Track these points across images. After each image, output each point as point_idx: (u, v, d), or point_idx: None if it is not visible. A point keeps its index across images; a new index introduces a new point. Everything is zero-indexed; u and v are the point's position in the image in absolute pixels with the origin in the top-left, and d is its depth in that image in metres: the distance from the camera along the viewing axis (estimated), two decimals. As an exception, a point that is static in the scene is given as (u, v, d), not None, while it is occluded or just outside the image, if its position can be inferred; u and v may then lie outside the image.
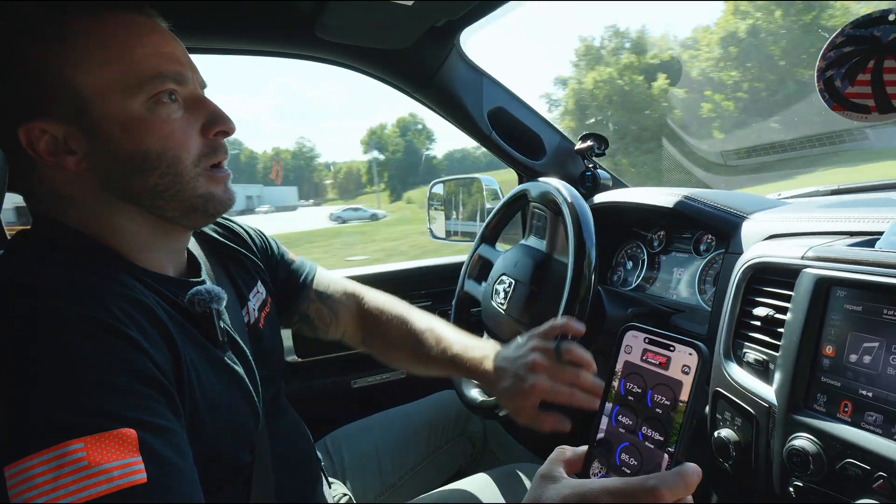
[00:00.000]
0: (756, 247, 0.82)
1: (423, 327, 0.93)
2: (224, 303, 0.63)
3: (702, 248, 1.10)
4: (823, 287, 0.66)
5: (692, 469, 0.42)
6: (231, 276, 0.77)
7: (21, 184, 0.59)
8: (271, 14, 1.06)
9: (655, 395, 0.46)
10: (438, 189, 1.93)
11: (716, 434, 0.77)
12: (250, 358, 0.68)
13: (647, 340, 0.49)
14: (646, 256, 1.24)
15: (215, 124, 0.61)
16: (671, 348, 0.47)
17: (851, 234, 0.74)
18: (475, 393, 1.01)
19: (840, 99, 0.62)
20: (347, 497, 0.96)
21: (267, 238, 0.92)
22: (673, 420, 0.45)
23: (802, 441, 0.63)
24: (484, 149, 1.50)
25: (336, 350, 1.48)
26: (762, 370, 0.74)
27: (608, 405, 0.50)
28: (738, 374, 0.77)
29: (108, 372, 0.46)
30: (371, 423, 1.17)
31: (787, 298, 0.71)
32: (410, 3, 0.95)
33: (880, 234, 0.68)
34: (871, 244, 0.68)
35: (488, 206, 1.65)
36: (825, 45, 0.63)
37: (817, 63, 0.63)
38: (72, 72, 0.54)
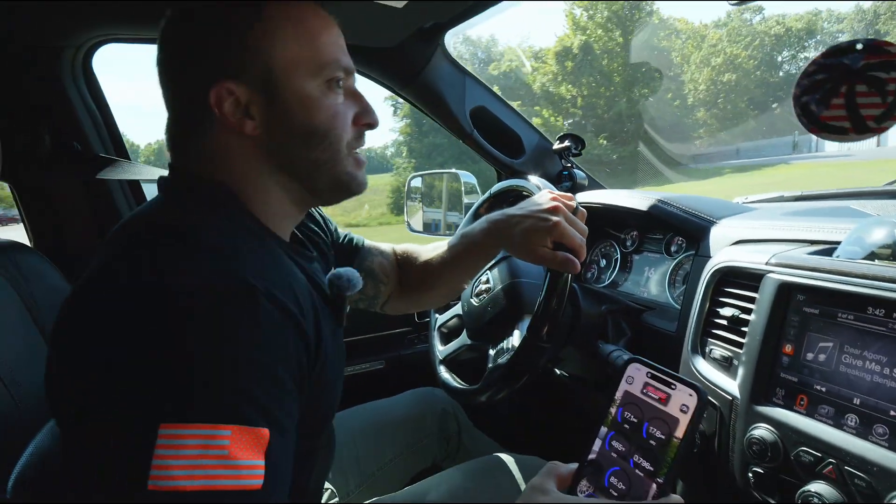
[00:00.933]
0: (724, 251, 0.88)
1: (433, 248, 0.99)
2: (358, 288, 0.69)
3: (672, 249, 1.16)
4: (785, 291, 0.72)
5: (677, 501, 0.46)
6: (320, 254, 0.82)
7: (188, 139, 0.62)
8: None
9: (651, 428, 0.49)
10: (417, 182, 1.95)
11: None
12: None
13: (649, 375, 0.52)
14: (619, 255, 1.30)
15: (365, 116, 0.67)
16: (672, 386, 0.50)
17: (812, 242, 0.81)
18: (443, 370, 1.06)
19: (817, 123, 0.68)
20: (330, 489, 0.98)
21: (320, 211, 0.95)
22: (666, 453, 0.47)
23: (762, 431, 0.69)
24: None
25: None
26: (727, 366, 0.80)
27: (603, 429, 0.53)
28: (704, 369, 0.83)
29: (275, 357, 0.49)
30: (349, 415, 1.19)
31: (751, 300, 0.77)
32: (401, 5, 0.97)
33: (838, 243, 0.75)
34: (829, 253, 0.74)
35: (466, 200, 1.68)
36: (800, 74, 0.68)
37: (793, 91, 0.68)
38: (269, 44, 0.59)
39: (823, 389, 0.66)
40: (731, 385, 0.77)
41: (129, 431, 0.43)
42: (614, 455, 0.51)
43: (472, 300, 1.10)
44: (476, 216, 1.24)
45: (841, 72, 0.67)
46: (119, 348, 0.45)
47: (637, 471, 0.49)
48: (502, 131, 1.51)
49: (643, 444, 0.49)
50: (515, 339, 0.97)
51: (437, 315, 1.23)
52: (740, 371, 0.75)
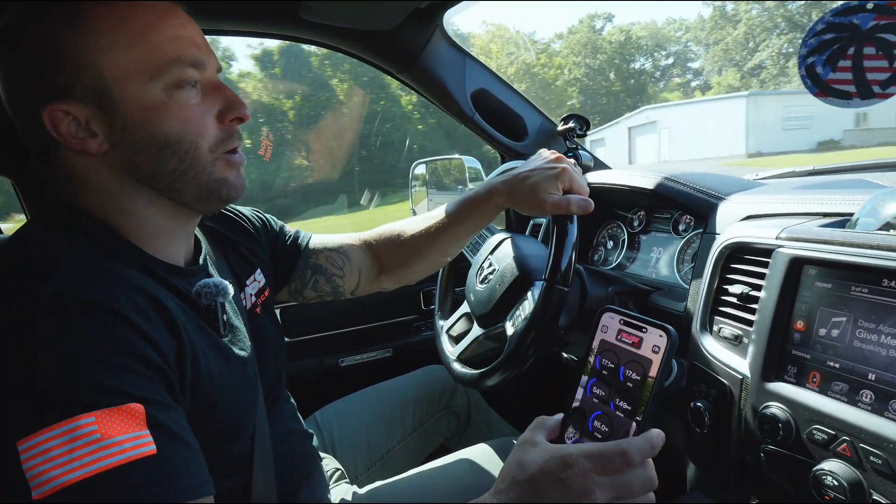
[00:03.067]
0: (732, 227, 0.85)
1: (419, 220, 0.97)
2: (230, 296, 0.64)
3: (680, 227, 1.14)
4: (796, 266, 0.70)
5: (657, 434, 0.49)
6: (230, 263, 0.78)
7: (40, 167, 0.59)
8: None
9: (627, 371, 0.52)
10: (420, 169, 1.93)
11: (692, 404, 0.81)
12: (249, 342, 0.69)
13: (622, 322, 0.54)
14: (626, 236, 1.27)
15: (231, 111, 0.61)
16: (644, 330, 0.52)
17: (824, 215, 0.78)
18: (459, 366, 1.04)
19: (822, 85, 0.65)
20: (340, 471, 0.98)
21: (263, 215, 0.93)
22: (642, 393, 0.50)
23: (773, 409, 0.68)
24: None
25: (324, 329, 1.49)
26: (736, 344, 0.78)
27: (584, 378, 0.55)
28: (714, 348, 0.81)
29: (111, 352, 0.47)
30: (358, 398, 1.20)
31: (761, 276, 0.75)
32: None
33: (851, 215, 0.72)
34: (841, 225, 0.72)
35: (470, 186, 1.67)
36: (806, 32, 0.65)
37: (799, 50, 0.65)
38: (93, 55, 0.54)
39: (837, 366, 0.64)
40: (741, 363, 0.75)
41: None
42: (596, 400, 0.54)
43: (477, 287, 1.09)
44: None
45: (850, 31, 0.64)
46: None
47: (618, 412, 0.52)
48: (505, 114, 1.48)
49: (621, 386, 0.52)
50: (529, 301, 0.95)
51: (441, 321, 1.22)
52: (750, 349, 0.73)
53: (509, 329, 0.98)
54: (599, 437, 0.52)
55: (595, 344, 0.56)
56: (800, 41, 0.66)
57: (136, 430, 0.45)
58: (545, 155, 0.87)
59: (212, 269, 0.70)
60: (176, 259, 0.64)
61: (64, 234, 0.56)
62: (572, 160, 0.86)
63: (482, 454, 0.99)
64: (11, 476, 0.41)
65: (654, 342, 0.51)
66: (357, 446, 1.10)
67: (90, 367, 0.46)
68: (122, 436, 0.44)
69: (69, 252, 0.53)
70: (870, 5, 0.62)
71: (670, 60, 49.51)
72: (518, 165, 1.04)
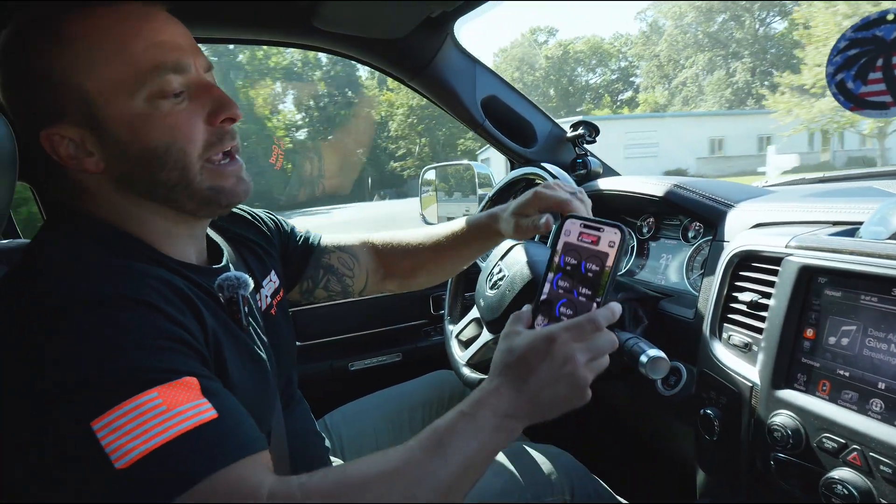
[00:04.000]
0: (742, 235, 0.86)
1: (425, 234, 1.01)
2: (250, 289, 0.66)
3: (690, 234, 1.14)
4: (806, 274, 0.70)
5: (615, 304, 0.59)
6: (247, 264, 0.79)
7: (53, 183, 0.61)
8: (271, 5, 1.06)
9: (588, 264, 0.60)
10: (430, 175, 1.94)
11: (701, 411, 0.81)
12: (265, 341, 0.70)
13: (582, 225, 0.62)
14: (635, 243, 1.28)
15: (221, 111, 0.60)
16: (601, 230, 0.60)
17: (834, 223, 0.78)
18: (469, 371, 1.05)
19: (855, 100, 0.66)
20: None
21: (275, 216, 0.95)
22: (600, 280, 0.59)
23: (783, 417, 0.68)
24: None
25: (335, 333, 1.51)
26: (746, 351, 0.78)
27: (550, 274, 0.64)
28: (724, 355, 0.81)
29: (152, 336, 0.49)
30: (368, 402, 1.20)
31: (770, 284, 0.75)
32: None
33: (861, 223, 0.72)
34: (851, 234, 0.72)
35: (480, 192, 1.68)
36: (830, 51, 0.66)
37: (826, 69, 0.66)
38: (76, 75, 0.54)
39: (847, 374, 0.64)
40: (750, 371, 0.75)
41: (67, 445, 0.44)
42: (561, 291, 0.62)
43: (487, 293, 1.10)
44: (490, 204, 1.24)
45: (875, 44, 0.64)
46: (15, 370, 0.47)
47: (581, 298, 0.60)
48: (514, 120, 1.49)
49: (583, 277, 0.60)
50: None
51: (451, 326, 1.22)
52: (760, 357, 0.74)
53: None
54: (566, 319, 0.60)
55: (559, 246, 0.64)
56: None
57: (196, 399, 0.47)
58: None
59: (231, 269, 0.72)
60: (188, 259, 0.66)
61: (80, 237, 0.57)
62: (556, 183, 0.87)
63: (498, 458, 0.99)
64: (91, 455, 0.43)
65: (609, 238, 0.59)
66: (366, 450, 1.11)
67: (138, 351, 0.48)
68: (185, 405, 0.46)
69: (91, 254, 0.55)
70: (890, 16, 0.63)
71: (614, 76, 48.00)
72: (528, 173, 1.06)
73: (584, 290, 0.60)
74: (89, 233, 0.58)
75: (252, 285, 0.67)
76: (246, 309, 0.65)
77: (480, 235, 0.93)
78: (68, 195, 0.61)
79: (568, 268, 0.62)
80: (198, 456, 0.45)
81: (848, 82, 0.65)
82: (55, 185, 0.61)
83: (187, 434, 0.45)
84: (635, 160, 21.20)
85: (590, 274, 0.60)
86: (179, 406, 0.46)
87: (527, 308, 0.64)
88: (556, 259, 0.63)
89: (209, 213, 0.66)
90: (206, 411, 0.47)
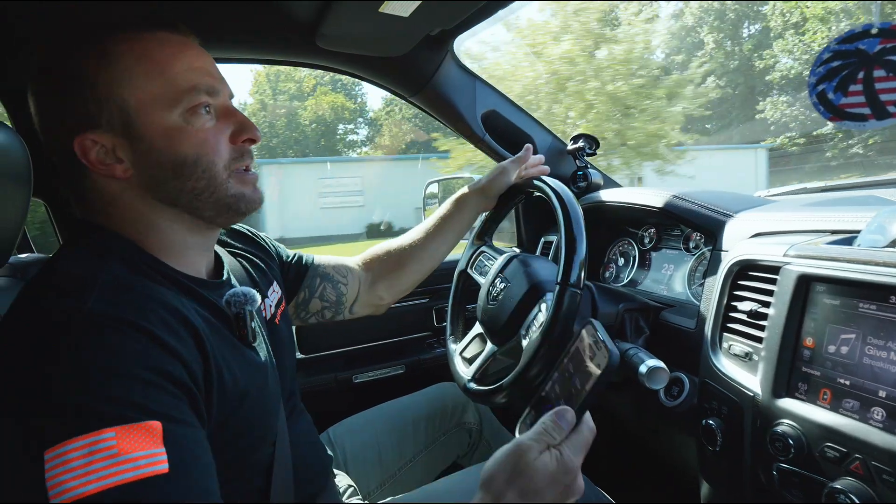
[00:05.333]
0: (741, 245, 0.86)
1: (405, 235, 1.11)
2: (258, 304, 0.68)
3: (691, 245, 1.15)
4: (804, 283, 0.70)
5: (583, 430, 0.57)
6: (250, 276, 0.82)
7: (73, 190, 0.64)
8: (274, 26, 1.09)
9: (575, 378, 0.60)
10: (433, 188, 1.96)
11: (704, 422, 0.81)
12: (270, 351, 0.72)
13: (590, 335, 0.61)
14: (637, 253, 1.28)
15: (243, 133, 0.66)
16: (600, 348, 0.58)
17: (832, 232, 0.79)
18: (475, 385, 1.05)
19: (836, 110, 0.67)
20: (352, 488, 0.99)
21: (268, 237, 0.98)
22: (577, 399, 0.57)
23: (784, 427, 0.68)
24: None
25: (338, 346, 1.52)
26: (747, 361, 0.78)
27: (556, 374, 0.64)
28: (725, 365, 0.81)
29: (136, 366, 0.49)
30: (371, 415, 1.20)
31: (770, 293, 0.76)
32: (406, 14, 0.98)
33: (859, 232, 0.73)
34: (849, 242, 0.72)
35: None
36: (814, 62, 0.67)
37: (808, 79, 0.67)
38: (119, 87, 0.59)
39: (847, 383, 0.64)
40: (751, 381, 0.75)
41: (18, 464, 0.45)
42: (553, 395, 0.62)
43: (489, 306, 1.10)
44: (489, 218, 1.24)
45: (857, 57, 0.65)
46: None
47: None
48: (514, 134, 1.51)
49: (569, 389, 0.60)
50: (543, 312, 0.95)
51: (453, 345, 1.23)
52: (760, 366, 0.74)
53: (524, 341, 0.98)
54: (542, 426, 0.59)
55: (571, 349, 0.63)
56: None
57: (153, 447, 0.47)
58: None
59: (234, 282, 0.74)
60: (198, 273, 0.68)
61: (96, 253, 0.59)
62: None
63: None
64: (33, 484, 0.44)
65: (600, 360, 0.57)
66: (369, 463, 1.11)
67: (117, 381, 0.48)
68: (138, 452, 0.46)
69: (102, 270, 0.56)
70: (874, 30, 0.64)
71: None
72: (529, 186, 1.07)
73: (565, 403, 0.59)
74: (106, 248, 0.60)
75: (259, 301, 0.68)
76: (252, 325, 0.67)
77: (456, 208, 1.08)
78: (89, 205, 0.63)
79: (566, 374, 0.62)
80: None
81: (829, 93, 0.67)
82: (77, 196, 0.64)
83: (129, 485, 0.45)
84: (332, 210, 17.54)
85: (573, 390, 0.59)
86: (132, 452, 0.45)
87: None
88: (564, 361, 0.64)
89: (226, 221, 0.68)
90: (158, 463, 0.46)
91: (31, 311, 0.52)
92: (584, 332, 0.63)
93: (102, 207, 0.63)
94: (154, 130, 0.60)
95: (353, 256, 1.12)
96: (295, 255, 1.02)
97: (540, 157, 1.15)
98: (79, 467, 0.44)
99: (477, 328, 1.16)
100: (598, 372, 0.57)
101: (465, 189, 1.10)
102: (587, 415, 0.58)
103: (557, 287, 0.84)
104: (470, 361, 1.16)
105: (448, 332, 1.27)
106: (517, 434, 0.62)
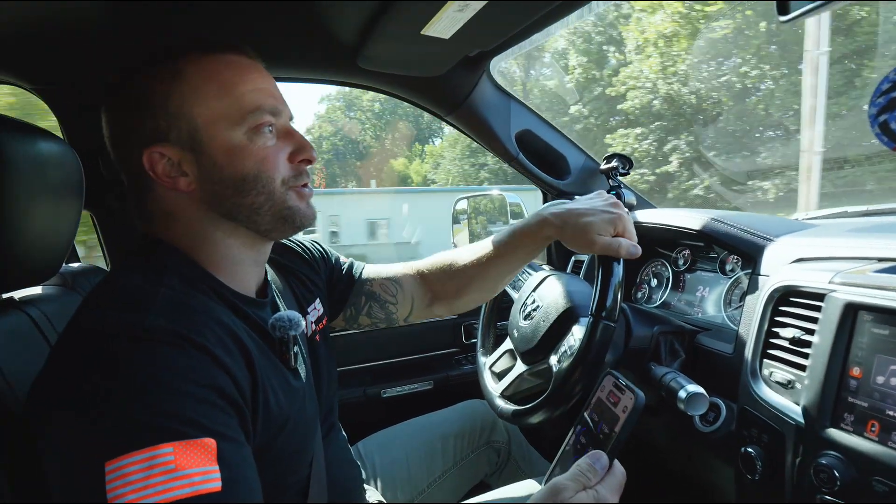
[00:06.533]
0: (783, 270, 0.85)
1: (470, 250, 1.00)
2: (302, 328, 0.69)
3: (727, 268, 1.13)
4: (851, 311, 0.69)
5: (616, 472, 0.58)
6: (294, 292, 0.83)
7: (137, 203, 0.67)
8: (320, 47, 1.13)
9: (602, 425, 0.61)
10: (462, 205, 1.97)
11: (743, 450, 0.79)
12: (310, 370, 0.73)
13: (613, 384, 0.63)
14: (670, 274, 1.27)
15: (301, 153, 0.68)
16: (624, 392, 0.60)
17: (879, 259, 0.77)
18: (503, 402, 1.05)
19: None
20: (381, 502, 1.00)
21: (320, 245, 0.99)
22: (608, 443, 0.58)
23: (829, 458, 0.66)
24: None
25: (367, 360, 1.53)
26: (789, 389, 0.77)
27: (579, 426, 0.64)
28: (766, 393, 0.80)
29: (193, 382, 0.51)
30: (400, 430, 1.21)
31: (813, 320, 0.74)
32: (447, 37, 1.01)
33: (906, 260, 0.71)
34: (897, 270, 0.71)
35: (511, 222, 1.69)
36: (873, 92, 0.67)
37: (868, 110, 0.67)
38: (189, 104, 0.62)
39: (897, 415, 0.62)
40: (794, 409, 0.73)
41: (80, 476, 0.47)
42: (578, 447, 0.63)
43: (521, 325, 1.10)
44: None
45: None
46: (57, 398, 0.50)
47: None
48: (548, 153, 1.52)
49: (595, 437, 0.61)
50: (575, 336, 0.95)
51: (483, 358, 1.23)
52: (804, 395, 0.72)
53: (554, 365, 0.98)
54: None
55: (592, 399, 0.65)
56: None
57: (208, 464, 0.48)
58: (605, 196, 0.88)
59: (278, 299, 0.76)
60: (248, 289, 0.70)
61: (155, 268, 0.62)
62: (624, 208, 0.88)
63: (527, 491, 0.99)
64: (95, 494, 0.46)
65: (625, 403, 0.59)
66: (398, 479, 1.11)
67: (176, 396, 0.50)
68: (194, 469, 0.47)
69: (162, 286, 0.58)
70: None
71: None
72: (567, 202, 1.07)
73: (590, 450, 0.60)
74: (164, 264, 0.62)
75: (303, 325, 0.70)
76: (295, 349, 0.69)
77: (526, 241, 0.92)
78: (151, 218, 0.66)
79: (591, 423, 0.63)
80: None
81: (892, 123, 0.66)
82: (140, 208, 0.67)
83: (185, 501, 0.46)
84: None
85: (601, 436, 0.60)
86: (189, 468, 0.47)
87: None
88: (586, 413, 0.64)
89: (280, 234, 0.70)
90: (212, 481, 0.48)
91: (92, 325, 0.54)
92: (605, 380, 0.64)
93: (164, 220, 0.65)
94: (218, 146, 0.63)
95: (409, 264, 1.06)
96: (347, 265, 1.01)
97: (633, 232, 0.85)
98: (138, 480, 0.45)
99: (507, 343, 1.16)
100: (625, 415, 0.58)
101: (547, 218, 0.88)
102: (616, 460, 0.59)
103: (591, 318, 0.83)
104: (500, 377, 1.16)
105: (479, 345, 1.27)
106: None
